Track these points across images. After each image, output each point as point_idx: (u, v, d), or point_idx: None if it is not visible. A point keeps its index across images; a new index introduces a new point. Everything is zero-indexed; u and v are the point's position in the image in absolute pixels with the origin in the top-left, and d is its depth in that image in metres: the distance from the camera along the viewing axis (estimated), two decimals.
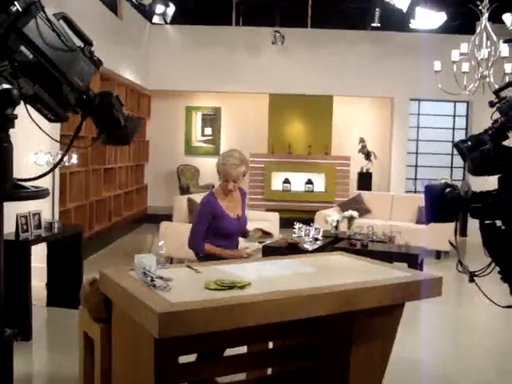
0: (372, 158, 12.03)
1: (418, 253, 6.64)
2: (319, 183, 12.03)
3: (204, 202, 3.85)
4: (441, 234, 8.68)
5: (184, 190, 11.43)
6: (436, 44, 10.57)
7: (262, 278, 3.01)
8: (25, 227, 5.15)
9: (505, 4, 7.41)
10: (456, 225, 2.29)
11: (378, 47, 11.72)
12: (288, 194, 11.96)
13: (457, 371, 4.66)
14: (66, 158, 5.92)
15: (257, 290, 2.74)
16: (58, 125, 6.49)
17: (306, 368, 3.38)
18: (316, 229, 7.01)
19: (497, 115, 2.28)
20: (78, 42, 1.91)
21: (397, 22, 10.24)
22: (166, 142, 12.67)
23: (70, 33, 1.90)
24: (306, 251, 6.37)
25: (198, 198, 7.19)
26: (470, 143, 2.41)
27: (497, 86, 6.58)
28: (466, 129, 12.56)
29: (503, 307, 2.34)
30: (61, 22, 1.84)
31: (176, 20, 9.54)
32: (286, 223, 9.09)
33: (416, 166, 12.84)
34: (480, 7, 6.77)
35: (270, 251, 6.68)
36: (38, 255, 5.92)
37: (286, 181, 12.02)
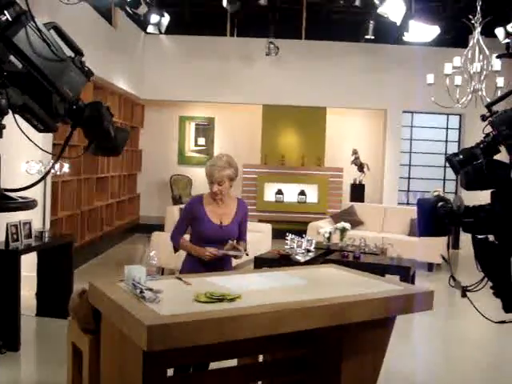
0: (365, 169, 12.05)
1: (409, 265, 6.64)
2: (312, 194, 12.03)
3: (188, 202, 3.94)
4: (433, 247, 8.67)
5: (176, 200, 11.41)
6: (429, 57, 10.65)
7: (252, 290, 2.99)
8: (15, 236, 5.11)
9: (497, 18, 7.46)
10: (448, 239, 2.28)
11: (372, 59, 11.77)
12: (281, 205, 11.96)
13: (447, 382, 4.65)
14: (57, 167, 5.89)
15: (247, 302, 2.72)
16: (51, 134, 6.47)
17: (297, 381, 3.35)
18: (308, 240, 7.01)
19: (489, 129, 2.28)
20: (69, 52, 1.90)
21: (390, 34, 10.29)
22: (159, 152, 12.65)
23: (61, 43, 1.89)
24: (297, 263, 6.36)
25: None
26: (461, 157, 2.40)
27: (489, 100, 6.61)
28: (459, 141, 12.61)
29: (496, 322, 2.33)
30: (51, 31, 1.83)
31: (170, 30, 9.52)
32: (279, 234, 9.09)
33: (409, 178, 12.87)
34: (473, 21, 6.81)
35: (261, 262, 6.67)
36: (28, 264, 5.88)
37: (279, 192, 12.01)
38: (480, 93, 7.08)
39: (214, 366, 3.46)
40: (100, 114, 1.89)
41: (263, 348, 3.21)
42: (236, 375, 3.30)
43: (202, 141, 12.98)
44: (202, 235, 3.74)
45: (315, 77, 11.82)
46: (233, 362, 3.47)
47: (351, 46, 11.90)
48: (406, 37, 8.21)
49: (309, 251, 6.86)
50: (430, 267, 8.96)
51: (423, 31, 7.87)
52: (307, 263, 6.35)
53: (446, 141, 12.81)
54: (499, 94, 7.10)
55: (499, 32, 7.65)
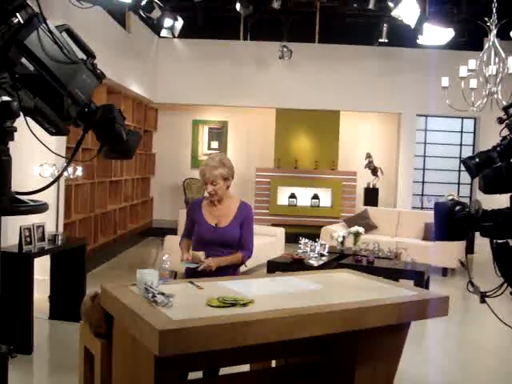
0: (379, 173, 11.99)
1: (424, 270, 6.57)
2: (325, 198, 11.98)
3: (187, 208, 3.90)
4: (447, 251, 8.63)
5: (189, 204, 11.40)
6: (443, 60, 10.58)
7: (265, 295, 2.97)
8: (28, 239, 5.12)
9: None
10: (467, 244, 2.25)
11: (386, 63, 11.72)
12: (294, 208, 11.92)
13: None
14: (70, 171, 5.90)
15: (259, 307, 2.69)
16: (64, 137, 6.49)
17: None
18: (321, 244, 6.97)
19: (505, 132, 2.25)
20: (81, 55, 1.89)
21: (404, 37, 10.23)
22: (172, 156, 12.67)
23: (74, 45, 1.88)
24: (311, 267, 6.33)
25: None
26: (477, 160, 2.37)
27: (505, 103, 6.54)
28: (474, 145, 12.50)
29: None
30: (63, 34, 1.82)
31: (184, 34, 9.54)
32: (292, 238, 9.06)
33: (423, 182, 12.79)
34: (488, 23, 6.75)
35: (274, 266, 6.64)
36: (42, 267, 5.90)
37: (292, 196, 11.98)
38: (496, 96, 7.01)
39: (226, 371, 3.43)
40: (112, 116, 1.88)
41: (276, 353, 3.18)
42: (248, 381, 3.27)
43: (215, 144, 12.99)
44: (197, 237, 3.68)
45: (329, 80, 11.78)
46: (245, 368, 3.44)
47: (365, 49, 11.85)
48: (420, 40, 8.16)
49: (322, 255, 6.82)
50: (445, 272, 8.89)
51: (437, 34, 7.82)
52: (321, 267, 6.32)
53: (461, 144, 12.71)
54: None
55: None
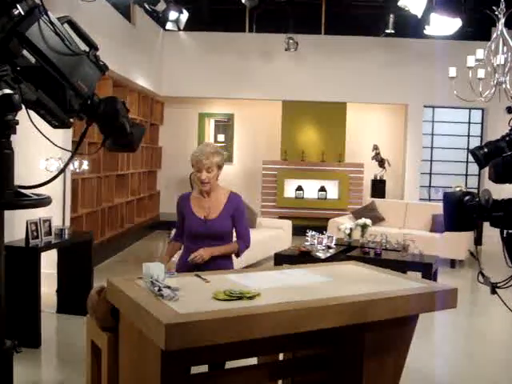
0: (386, 165, 11.94)
1: (432, 262, 6.55)
2: (332, 190, 11.95)
3: (176, 203, 3.79)
4: (455, 243, 8.60)
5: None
6: (451, 50, 10.50)
7: (271, 288, 2.95)
8: (35, 234, 5.13)
9: None
10: (476, 234, 2.22)
11: (392, 54, 11.64)
12: (301, 201, 11.89)
13: (471, 383, 4.56)
14: (76, 165, 5.90)
15: (266, 300, 2.67)
16: (70, 131, 6.49)
17: (318, 380, 3.30)
18: (329, 237, 6.96)
19: None
20: (84, 47, 1.87)
21: (411, 28, 10.15)
22: (178, 149, 12.63)
23: (76, 37, 1.85)
24: (318, 259, 6.31)
25: None
26: (486, 150, 2.34)
27: None
28: (481, 136, 12.42)
29: None
30: (65, 26, 1.80)
31: (189, 27, 9.51)
32: (299, 231, 9.05)
33: (430, 174, 12.72)
34: (496, 12, 6.67)
35: (281, 259, 6.63)
36: (49, 262, 5.91)
37: (299, 188, 11.94)
38: (504, 86, 6.94)
39: (233, 364, 3.42)
40: (115, 109, 1.86)
41: (284, 346, 3.17)
42: (256, 373, 3.26)
43: (221, 137, 12.96)
44: (186, 231, 3.62)
45: (335, 72, 11.73)
46: (253, 361, 3.43)
47: (371, 40, 11.77)
48: (427, 30, 8.09)
49: (329, 248, 6.81)
50: (453, 264, 8.85)
51: (445, 24, 7.74)
52: (328, 260, 6.31)
53: (468, 135, 12.63)
54: None
55: None
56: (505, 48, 6.82)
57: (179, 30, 9.41)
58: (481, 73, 7.23)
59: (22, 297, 4.85)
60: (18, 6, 1.58)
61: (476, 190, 11.82)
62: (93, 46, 1.85)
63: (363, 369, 3.01)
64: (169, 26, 9.09)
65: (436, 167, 12.72)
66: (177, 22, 9.05)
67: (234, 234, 3.74)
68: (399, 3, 7.08)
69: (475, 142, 12.23)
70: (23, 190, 1.69)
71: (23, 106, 1.64)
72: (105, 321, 3.10)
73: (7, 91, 1.55)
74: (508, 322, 6.35)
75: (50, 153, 5.74)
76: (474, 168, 12.46)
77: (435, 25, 7.70)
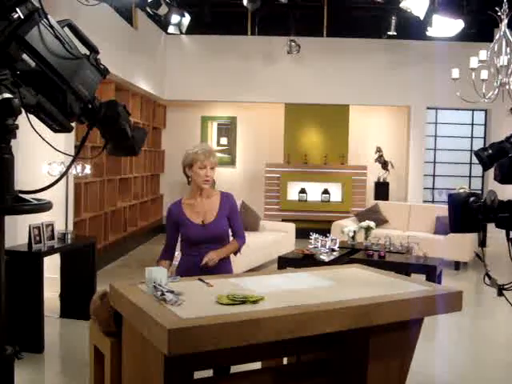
0: (389, 167, 11.92)
1: (436, 264, 6.52)
2: (336, 193, 11.92)
3: (167, 213, 3.71)
4: (460, 245, 8.57)
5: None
6: (453, 52, 10.48)
7: (275, 291, 2.93)
8: (38, 238, 5.12)
9: None
10: (482, 235, 2.20)
11: (395, 55, 11.62)
12: (304, 204, 11.87)
13: None
14: (79, 169, 5.89)
15: (270, 304, 2.66)
16: (73, 135, 6.49)
17: None
18: (332, 239, 6.94)
19: None
20: (85, 50, 1.86)
21: (413, 30, 10.14)
22: (181, 152, 12.49)
23: (77, 41, 1.84)
24: (322, 262, 6.29)
25: None
26: (490, 151, 2.33)
27: None
28: (485, 137, 12.39)
29: None
30: (66, 29, 1.78)
31: (191, 30, 9.50)
32: (302, 233, 9.02)
33: (434, 176, 12.69)
34: (499, 13, 6.65)
35: (285, 262, 6.61)
36: (52, 266, 5.90)
37: (302, 191, 11.92)
38: (507, 87, 6.92)
39: (237, 368, 3.40)
40: (116, 112, 1.85)
41: (287, 351, 3.15)
42: (260, 378, 3.24)
43: (224, 141, 12.95)
44: (186, 239, 3.56)
45: (337, 74, 11.71)
46: (257, 365, 3.41)
47: (373, 42, 11.75)
48: (430, 32, 8.08)
49: (333, 250, 6.79)
50: (457, 266, 8.82)
51: (447, 26, 7.73)
52: (332, 263, 6.28)
53: (472, 137, 12.59)
54: None
55: None
56: (508, 49, 6.80)
57: (181, 33, 9.39)
58: (484, 74, 7.20)
59: (24, 301, 4.84)
60: (17, 9, 1.56)
61: (480, 192, 11.78)
62: (93, 50, 1.84)
63: (368, 373, 2.99)
64: (171, 29, 9.08)
65: (439, 169, 12.68)
66: (179, 25, 9.04)
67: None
68: (401, 4, 7.06)
69: (478, 144, 12.20)
70: (24, 195, 1.67)
71: (23, 111, 1.62)
72: (107, 326, 3.09)
73: (7, 95, 1.54)
74: None
75: (53, 157, 5.74)
76: (477, 170, 12.43)
77: (437, 26, 7.69)
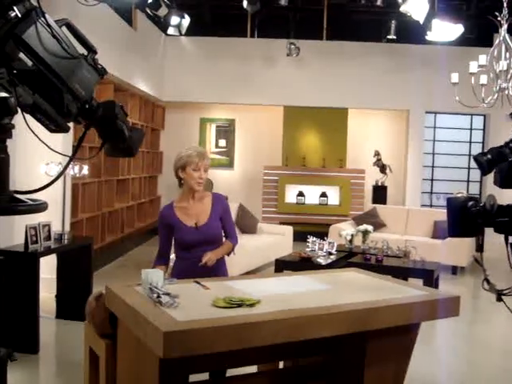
0: (387, 171, 11.91)
1: (433, 268, 6.50)
2: (333, 196, 11.91)
3: (158, 216, 3.70)
4: (457, 249, 8.56)
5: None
6: (452, 56, 10.49)
7: (272, 295, 2.91)
8: (34, 238, 5.10)
9: None
10: (481, 240, 2.19)
11: (394, 59, 11.63)
12: (302, 206, 11.85)
13: None
14: (77, 170, 5.87)
15: (266, 308, 2.64)
16: (71, 136, 6.47)
17: None
18: (330, 243, 6.92)
19: None
20: (82, 50, 1.84)
21: (413, 34, 10.15)
22: None
23: (74, 40, 1.83)
24: (319, 266, 6.27)
25: None
26: (489, 156, 2.32)
27: None
28: (483, 142, 12.40)
29: None
30: (63, 28, 1.77)
31: (191, 31, 9.50)
32: (300, 236, 9.01)
33: (432, 180, 12.69)
34: (499, 18, 6.65)
35: (282, 265, 6.60)
36: (48, 266, 5.87)
37: (300, 194, 11.91)
38: (506, 92, 6.91)
39: (232, 372, 3.39)
40: (114, 113, 1.83)
41: (284, 354, 3.13)
42: (256, 382, 3.22)
43: (222, 143, 12.94)
44: (180, 242, 3.53)
45: (337, 78, 11.71)
46: (253, 369, 3.39)
47: (373, 46, 11.76)
48: (429, 36, 8.07)
49: (330, 254, 6.77)
50: (454, 270, 8.81)
51: (447, 30, 7.73)
52: (329, 266, 6.27)
53: (470, 142, 12.60)
54: None
55: None
56: (507, 54, 6.79)
57: (181, 34, 9.39)
58: (483, 79, 7.20)
59: (20, 302, 4.82)
60: (14, 7, 1.54)
61: (478, 197, 11.78)
62: (91, 49, 1.82)
63: (364, 377, 2.97)
64: (170, 30, 9.08)
65: (437, 173, 12.69)
66: (178, 26, 9.03)
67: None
68: (401, 8, 7.06)
69: (477, 148, 12.20)
70: (20, 196, 1.66)
71: (19, 110, 1.61)
72: (103, 327, 3.07)
73: (3, 94, 1.52)
74: (509, 330, 6.31)
75: (51, 158, 5.72)
76: (475, 174, 12.44)
77: (437, 31, 7.69)
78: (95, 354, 3.19)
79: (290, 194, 11.93)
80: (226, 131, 12.92)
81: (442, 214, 9.17)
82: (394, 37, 10.63)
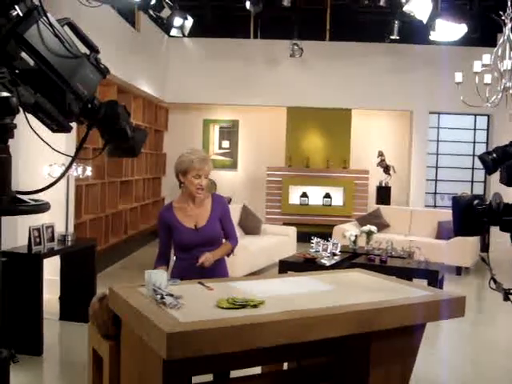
0: (391, 171, 11.88)
1: (438, 269, 6.48)
2: (337, 197, 11.89)
3: (158, 216, 3.68)
4: (461, 250, 8.53)
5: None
6: (456, 56, 10.45)
7: (276, 296, 2.90)
8: (37, 240, 5.09)
9: None
10: (487, 239, 2.17)
11: (397, 60, 11.60)
12: (305, 207, 11.83)
13: None
14: (80, 171, 5.87)
15: (270, 309, 2.63)
16: (74, 136, 6.46)
17: None
18: (334, 244, 6.90)
19: None
20: (84, 49, 1.83)
21: (416, 34, 10.11)
22: None
23: (76, 40, 1.82)
24: (323, 267, 6.26)
25: None
26: (495, 155, 2.31)
27: None
28: (487, 142, 12.36)
29: None
30: (65, 28, 1.76)
31: (194, 33, 9.48)
32: (304, 237, 8.99)
33: (436, 180, 12.65)
34: (503, 17, 6.62)
35: (286, 266, 6.58)
36: (52, 268, 5.87)
37: (304, 195, 11.89)
38: (511, 91, 6.88)
39: (237, 373, 3.37)
40: (116, 112, 1.82)
41: (288, 355, 3.12)
42: (260, 383, 3.21)
43: (226, 144, 12.92)
44: (178, 243, 3.52)
45: (340, 78, 11.69)
46: (257, 370, 3.38)
47: (376, 46, 11.73)
48: (433, 36, 8.04)
49: (334, 255, 6.76)
50: (459, 271, 8.77)
51: (450, 30, 7.70)
52: (333, 267, 6.25)
53: (474, 142, 12.56)
54: None
55: None
56: (511, 53, 6.77)
57: (184, 36, 9.39)
58: (487, 78, 7.17)
59: (24, 303, 4.81)
60: (16, 7, 1.53)
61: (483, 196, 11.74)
62: (93, 49, 1.81)
63: (369, 378, 2.95)
64: (173, 32, 9.07)
65: (441, 174, 12.65)
66: (181, 28, 9.03)
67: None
68: (404, 8, 7.04)
69: (481, 149, 12.16)
70: (22, 196, 1.65)
71: (21, 110, 1.60)
72: (106, 329, 3.06)
73: (5, 94, 1.51)
74: None
75: (55, 159, 5.71)
76: (479, 174, 12.40)
77: (440, 30, 7.66)
78: (99, 356, 3.18)
79: (294, 195, 11.92)
80: (230, 132, 12.91)
81: (445, 215, 9.15)
82: (397, 37, 10.59)
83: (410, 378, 3.12)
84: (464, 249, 8.53)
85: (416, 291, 3.16)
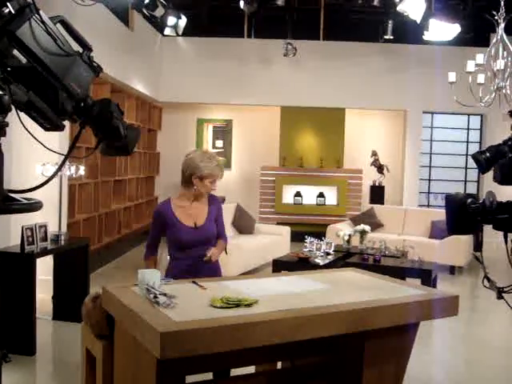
0: (384, 171, 11.89)
1: (431, 268, 6.50)
2: (331, 196, 11.90)
3: (154, 211, 3.68)
4: (455, 249, 8.56)
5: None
6: (449, 56, 10.49)
7: (269, 295, 2.89)
8: (30, 239, 5.07)
9: None
10: (480, 237, 2.18)
11: (391, 59, 11.62)
12: (299, 207, 11.83)
13: None
14: (73, 170, 5.85)
15: (264, 308, 2.62)
16: (67, 135, 6.44)
17: None
18: (327, 243, 6.90)
19: None
20: (77, 47, 1.82)
21: (410, 34, 10.14)
22: (176, 155, 12.54)
23: (69, 38, 1.81)
24: (317, 266, 6.26)
25: None
26: (488, 154, 2.31)
27: None
28: (480, 142, 12.40)
29: None
30: (58, 25, 1.75)
31: (188, 32, 9.48)
32: (297, 237, 9.00)
33: (429, 180, 12.69)
34: (496, 17, 6.65)
35: (280, 265, 6.58)
36: (45, 267, 5.85)
37: (298, 194, 11.89)
38: (504, 91, 6.91)
39: (230, 372, 3.36)
40: (109, 111, 1.81)
41: (282, 355, 3.11)
42: (254, 382, 3.20)
43: (219, 143, 12.91)
44: (175, 241, 3.52)
45: (334, 78, 11.70)
46: (250, 369, 3.37)
47: (370, 46, 11.75)
48: (426, 36, 8.07)
49: (328, 254, 6.76)
50: (452, 270, 8.80)
51: (444, 30, 7.72)
52: (326, 266, 6.25)
53: (467, 141, 12.60)
54: None
55: None
56: (505, 53, 6.79)
57: (178, 35, 9.39)
58: (481, 78, 7.19)
59: (17, 303, 4.80)
60: (8, 4, 1.52)
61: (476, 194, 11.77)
62: (86, 47, 1.80)
63: (363, 377, 2.95)
64: (167, 31, 9.07)
65: (435, 173, 12.68)
66: (175, 27, 9.02)
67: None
68: (398, 8, 7.06)
69: (474, 148, 12.19)
70: (14, 195, 1.64)
71: (13, 108, 1.59)
72: (100, 328, 3.05)
73: None
74: (507, 330, 6.30)
75: (48, 158, 5.70)
76: (472, 174, 12.44)
77: (434, 30, 7.69)
78: (92, 355, 3.17)
79: (288, 195, 11.92)
80: (223, 132, 12.89)
81: (439, 214, 9.17)
82: (391, 37, 10.61)
83: (403, 377, 3.13)
84: (457, 248, 8.56)
85: (409, 290, 3.16)
